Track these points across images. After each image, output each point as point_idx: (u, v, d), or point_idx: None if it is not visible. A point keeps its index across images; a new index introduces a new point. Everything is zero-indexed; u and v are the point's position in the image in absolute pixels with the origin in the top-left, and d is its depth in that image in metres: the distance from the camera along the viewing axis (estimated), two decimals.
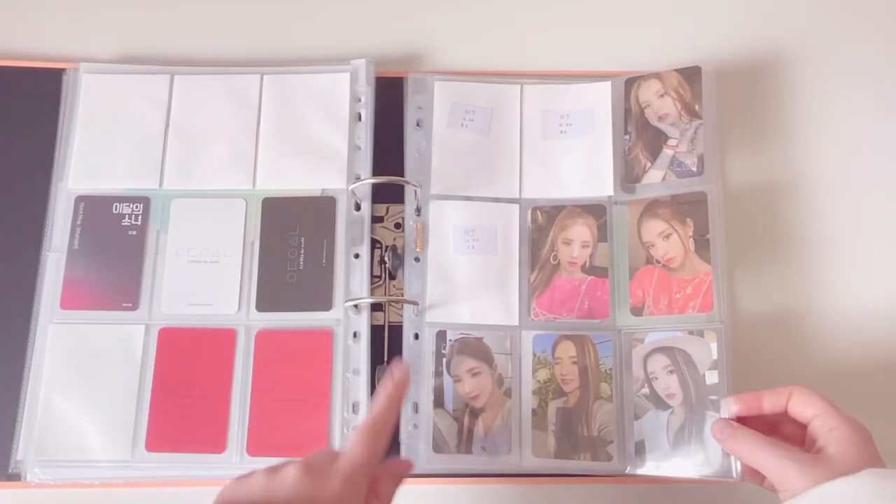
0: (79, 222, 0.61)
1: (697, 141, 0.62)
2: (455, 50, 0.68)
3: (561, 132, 0.64)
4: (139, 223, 0.61)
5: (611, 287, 0.61)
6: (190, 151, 0.63)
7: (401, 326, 0.60)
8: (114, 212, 0.62)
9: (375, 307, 0.60)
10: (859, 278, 0.63)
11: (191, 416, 0.57)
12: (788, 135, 0.66)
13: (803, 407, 0.50)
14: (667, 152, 0.62)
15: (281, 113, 0.64)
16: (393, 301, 0.60)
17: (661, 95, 0.64)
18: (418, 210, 0.62)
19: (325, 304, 0.60)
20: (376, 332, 0.60)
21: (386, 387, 0.49)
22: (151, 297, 0.60)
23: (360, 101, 0.64)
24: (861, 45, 0.69)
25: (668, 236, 0.60)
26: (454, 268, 0.61)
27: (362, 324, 0.60)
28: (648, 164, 0.62)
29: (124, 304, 0.60)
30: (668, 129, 0.63)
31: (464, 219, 0.62)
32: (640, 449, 0.56)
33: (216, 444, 0.57)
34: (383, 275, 0.62)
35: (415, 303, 0.60)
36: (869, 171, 0.66)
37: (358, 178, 0.62)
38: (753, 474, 0.52)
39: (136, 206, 0.62)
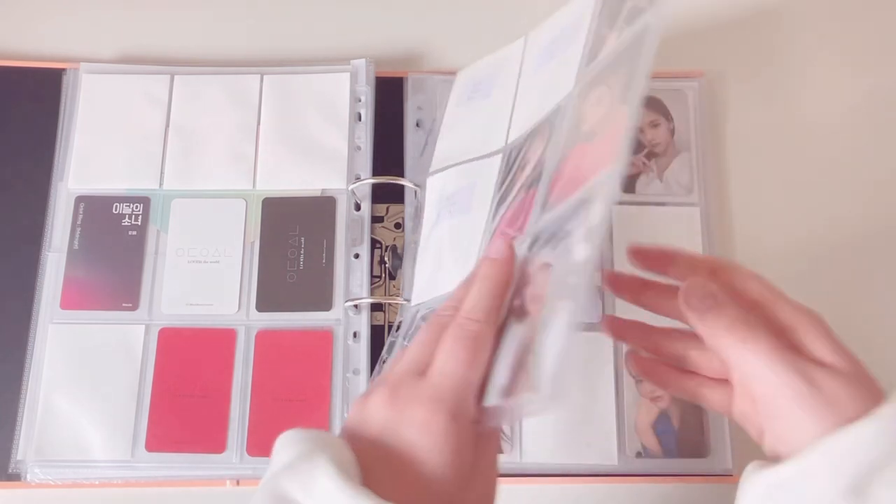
0: (79, 222, 0.61)
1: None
2: (455, 50, 0.68)
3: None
4: (139, 223, 0.61)
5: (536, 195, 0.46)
6: (190, 151, 0.63)
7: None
8: (114, 212, 0.62)
9: (375, 307, 0.60)
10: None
11: (191, 416, 0.57)
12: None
13: (744, 290, 0.34)
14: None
15: (281, 113, 0.64)
16: (393, 301, 0.60)
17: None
18: (418, 210, 0.62)
19: (325, 304, 0.60)
20: (376, 332, 0.60)
21: (482, 277, 0.32)
22: (151, 297, 0.60)
23: (360, 101, 0.64)
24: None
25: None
26: (434, 246, 0.58)
27: (362, 324, 0.60)
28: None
29: (124, 304, 0.60)
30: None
31: (447, 188, 0.58)
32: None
33: (216, 444, 0.57)
34: (383, 275, 0.62)
35: None
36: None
37: (358, 178, 0.62)
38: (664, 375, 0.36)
39: (136, 206, 0.62)
